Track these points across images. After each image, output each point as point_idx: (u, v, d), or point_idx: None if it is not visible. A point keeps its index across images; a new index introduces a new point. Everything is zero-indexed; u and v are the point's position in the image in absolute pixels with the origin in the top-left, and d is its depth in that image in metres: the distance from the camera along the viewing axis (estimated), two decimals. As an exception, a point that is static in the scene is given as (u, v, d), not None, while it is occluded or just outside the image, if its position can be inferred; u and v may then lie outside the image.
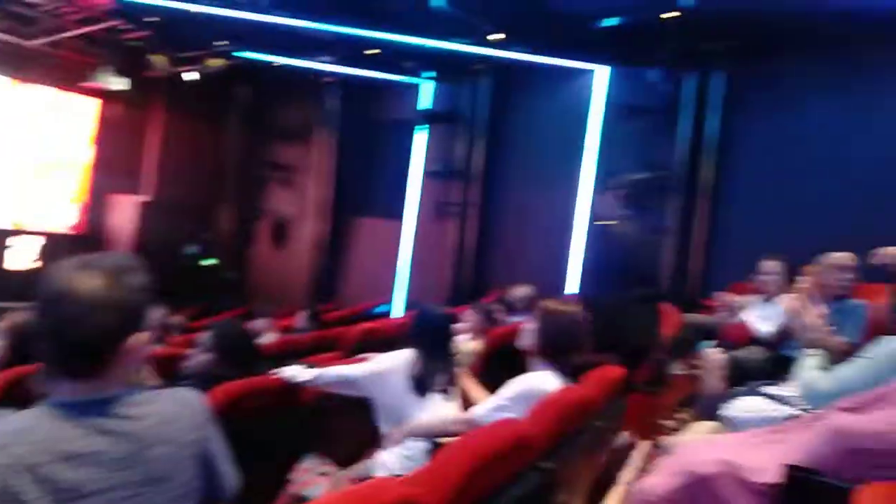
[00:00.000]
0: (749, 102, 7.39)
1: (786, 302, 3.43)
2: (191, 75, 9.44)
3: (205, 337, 2.66)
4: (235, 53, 9.35)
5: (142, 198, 10.70)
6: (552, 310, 2.43)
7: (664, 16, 6.39)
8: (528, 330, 2.46)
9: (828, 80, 6.81)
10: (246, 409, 2.32)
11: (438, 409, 2.57)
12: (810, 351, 2.12)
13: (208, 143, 11.94)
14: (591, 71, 8.46)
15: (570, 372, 2.37)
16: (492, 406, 2.29)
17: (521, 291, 5.69)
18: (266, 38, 8.87)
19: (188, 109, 11.20)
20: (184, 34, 8.86)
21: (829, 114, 6.70)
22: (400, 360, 2.63)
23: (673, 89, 7.54)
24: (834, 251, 3.66)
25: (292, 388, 2.54)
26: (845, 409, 1.62)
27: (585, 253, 7.67)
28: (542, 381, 2.28)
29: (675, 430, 3.85)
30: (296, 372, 2.59)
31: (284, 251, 12.03)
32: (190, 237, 11.48)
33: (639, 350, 2.35)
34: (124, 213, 10.53)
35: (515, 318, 4.69)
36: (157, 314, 4.03)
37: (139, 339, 1.22)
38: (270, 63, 9.80)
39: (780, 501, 1.53)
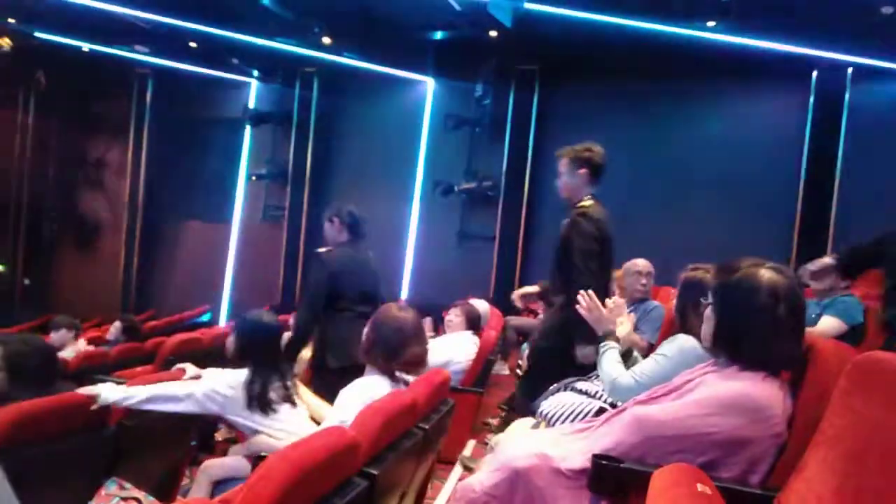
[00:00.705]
0: (559, 118, 7.97)
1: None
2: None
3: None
4: (33, 34, 8.36)
5: None
6: (380, 316, 2.43)
7: (490, 34, 6.72)
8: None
9: (625, 100, 7.56)
10: (39, 432, 2.06)
11: (290, 422, 2.50)
12: (607, 347, 2.31)
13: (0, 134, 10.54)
14: (423, 82, 8.67)
15: (397, 377, 2.39)
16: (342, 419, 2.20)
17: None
18: (71, 20, 8.01)
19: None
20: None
21: (626, 132, 7.43)
22: (239, 382, 2.48)
23: (494, 103, 7.95)
24: (634, 258, 4.04)
25: (95, 407, 2.27)
26: (641, 402, 1.78)
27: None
28: (376, 387, 2.26)
29: (499, 427, 4.03)
30: (111, 391, 2.30)
31: (93, 256, 10.95)
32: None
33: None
34: None
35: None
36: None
37: None
38: (78, 48, 8.88)
39: (589, 487, 1.64)
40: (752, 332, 1.62)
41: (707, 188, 7.26)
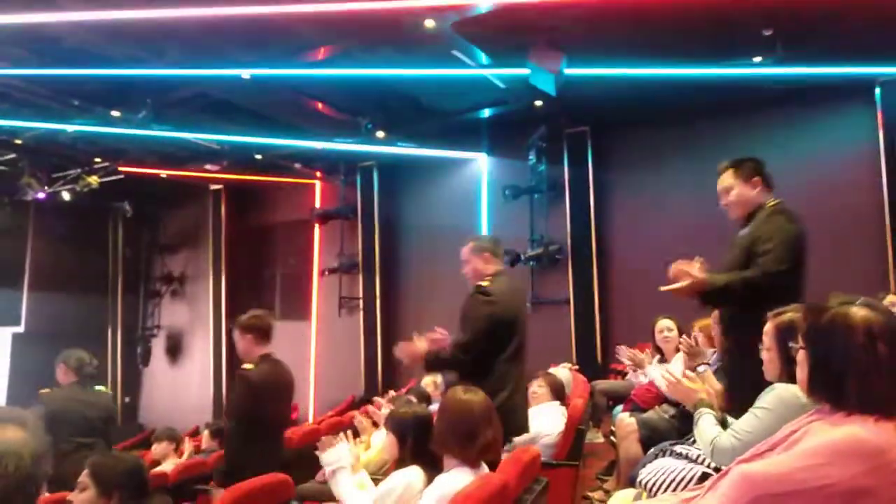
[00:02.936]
0: (616, 173, 7.91)
1: (658, 375, 3.60)
2: (67, 195, 9.05)
3: (82, 476, 2.38)
4: (117, 169, 9.10)
5: (14, 329, 9.93)
6: (445, 401, 2.32)
7: (536, 104, 6.87)
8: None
9: (679, 147, 7.45)
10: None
11: None
12: (702, 413, 2.19)
13: (90, 263, 11.35)
14: (476, 158, 8.86)
15: (476, 461, 2.23)
16: None
17: (427, 379, 5.64)
18: (148, 151, 8.71)
19: (66, 230, 10.67)
20: (57, 153, 8.56)
21: (684, 177, 7.28)
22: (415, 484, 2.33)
23: (549, 168, 8.02)
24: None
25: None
26: (745, 461, 1.66)
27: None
28: (454, 481, 2.13)
29: (600, 501, 3.83)
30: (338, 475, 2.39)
31: (184, 366, 11.40)
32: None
33: None
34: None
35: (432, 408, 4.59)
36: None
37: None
38: (156, 175, 9.59)
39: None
40: (851, 375, 1.52)
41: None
